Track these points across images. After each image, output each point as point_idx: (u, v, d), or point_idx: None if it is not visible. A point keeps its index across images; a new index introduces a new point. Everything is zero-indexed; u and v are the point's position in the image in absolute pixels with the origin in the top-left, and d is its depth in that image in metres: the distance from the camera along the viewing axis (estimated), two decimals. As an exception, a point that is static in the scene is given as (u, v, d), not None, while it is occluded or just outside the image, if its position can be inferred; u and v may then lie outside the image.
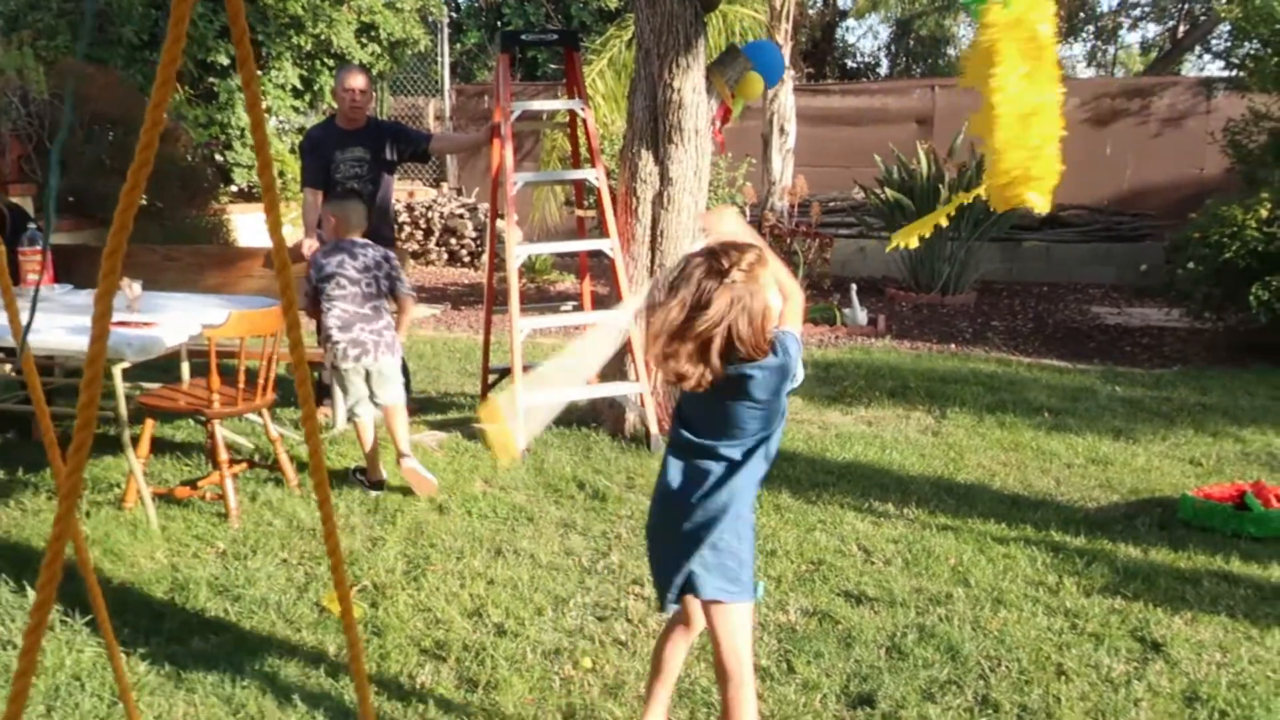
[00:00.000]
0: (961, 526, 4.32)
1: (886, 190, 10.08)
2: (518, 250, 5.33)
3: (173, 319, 4.57)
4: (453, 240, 12.71)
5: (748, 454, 2.32)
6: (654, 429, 5.23)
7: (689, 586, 2.38)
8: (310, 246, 5.79)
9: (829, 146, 12.76)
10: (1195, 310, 8.14)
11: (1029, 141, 3.11)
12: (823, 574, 3.85)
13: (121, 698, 1.77)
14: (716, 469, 2.32)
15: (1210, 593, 3.69)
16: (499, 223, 5.73)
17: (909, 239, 3.46)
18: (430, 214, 12.64)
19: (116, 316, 4.36)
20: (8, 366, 5.42)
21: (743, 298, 2.14)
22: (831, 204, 12.21)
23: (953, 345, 8.36)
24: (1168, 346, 8.39)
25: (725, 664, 2.38)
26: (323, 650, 3.26)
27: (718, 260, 2.17)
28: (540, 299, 10.58)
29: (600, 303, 6.60)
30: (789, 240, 9.39)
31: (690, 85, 5.14)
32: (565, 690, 3.03)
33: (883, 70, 21.89)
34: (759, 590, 3.70)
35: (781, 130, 11.00)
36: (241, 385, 4.39)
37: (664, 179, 5.27)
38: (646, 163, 5.27)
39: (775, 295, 2.26)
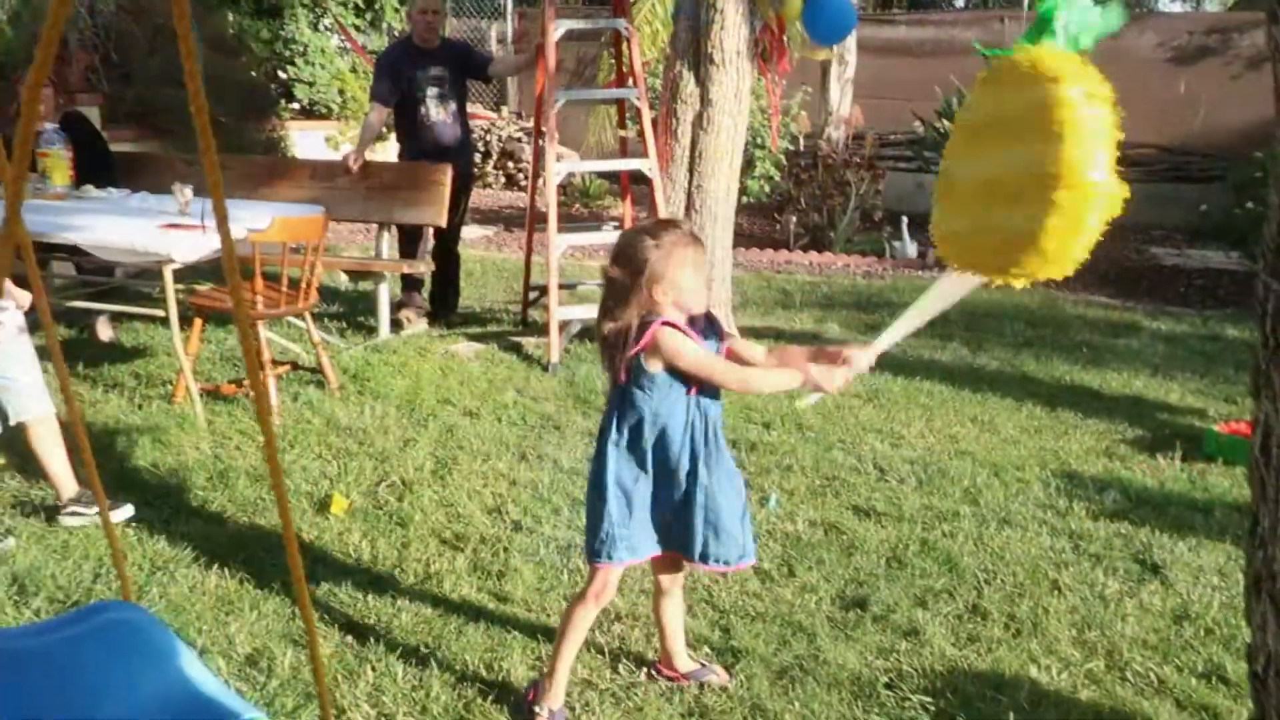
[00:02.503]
0: (980, 451, 4.38)
1: (945, 123, 9.92)
2: (556, 168, 5.41)
3: (221, 223, 4.72)
4: (510, 164, 12.79)
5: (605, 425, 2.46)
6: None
7: None
8: (356, 161, 5.94)
9: (891, 78, 12.51)
10: (1253, 252, 7.95)
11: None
12: (835, 489, 3.95)
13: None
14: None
15: (1220, 522, 3.72)
16: (541, 141, 5.82)
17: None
18: (489, 137, 12.71)
19: (167, 219, 4.57)
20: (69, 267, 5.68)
21: (653, 262, 2.27)
22: (891, 137, 12.04)
23: (999, 281, 8.28)
24: (1223, 289, 8.23)
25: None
26: (348, 534, 3.45)
27: (647, 229, 2.37)
28: (594, 222, 10.63)
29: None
30: (842, 171, 9.32)
31: (733, 6, 5.13)
32: (572, 582, 3.18)
33: (959, 2, 21.26)
34: (771, 502, 3.82)
35: (841, 59, 10.86)
36: (285, 288, 4.56)
37: (704, 100, 5.29)
38: (687, 84, 5.30)
39: (690, 276, 2.33)
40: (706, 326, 2.43)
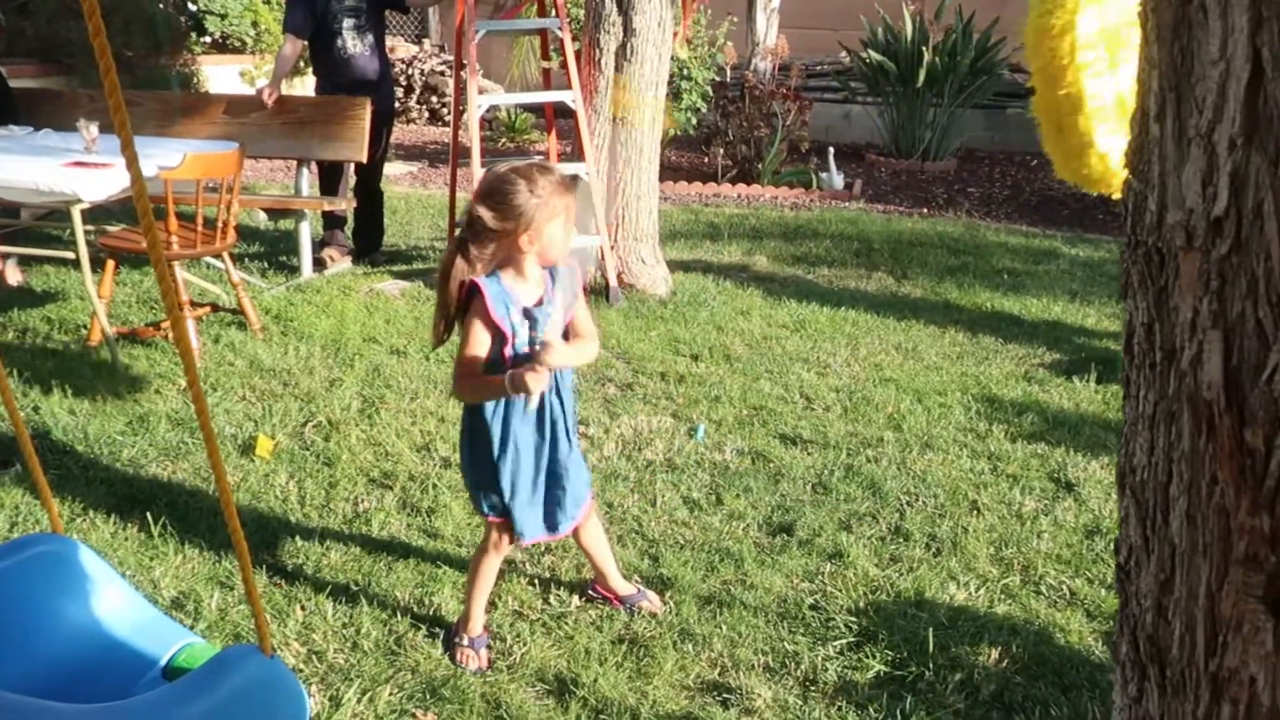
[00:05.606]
0: (904, 378, 4.46)
1: (870, 53, 9.92)
2: (479, 101, 5.31)
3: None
4: (433, 98, 12.53)
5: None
6: (613, 281, 5.32)
7: None
8: (271, 94, 5.77)
9: (817, 8, 12.46)
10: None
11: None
12: (762, 419, 4.00)
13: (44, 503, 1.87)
14: None
15: (1131, 441, 3.84)
16: (463, 74, 5.70)
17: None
18: (411, 71, 12.43)
19: (74, 158, 4.40)
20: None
21: (528, 210, 2.21)
22: (818, 67, 12.01)
23: (925, 210, 8.39)
24: (1139, 216, 8.40)
25: None
26: (274, 476, 3.41)
27: (523, 173, 2.25)
28: (519, 156, 10.52)
29: (566, 157, 6.60)
30: (768, 102, 9.28)
31: (655, -69, 5.04)
32: (502, 516, 3.19)
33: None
34: (699, 433, 3.86)
35: (767, -11, 10.75)
36: (201, 228, 4.45)
37: (627, 30, 5.21)
38: (610, 13, 5.21)
39: (559, 227, 2.28)
40: (565, 278, 2.37)
